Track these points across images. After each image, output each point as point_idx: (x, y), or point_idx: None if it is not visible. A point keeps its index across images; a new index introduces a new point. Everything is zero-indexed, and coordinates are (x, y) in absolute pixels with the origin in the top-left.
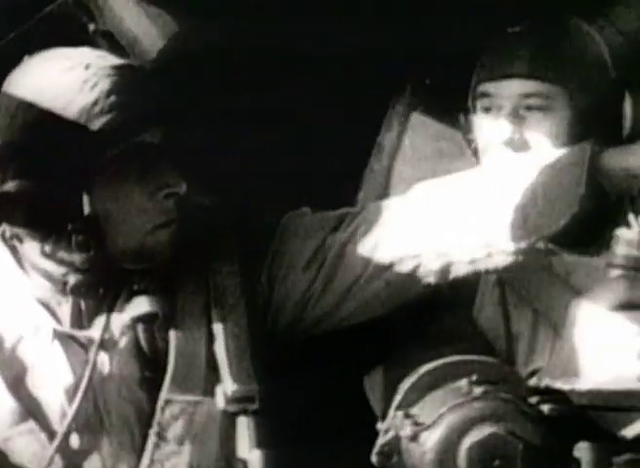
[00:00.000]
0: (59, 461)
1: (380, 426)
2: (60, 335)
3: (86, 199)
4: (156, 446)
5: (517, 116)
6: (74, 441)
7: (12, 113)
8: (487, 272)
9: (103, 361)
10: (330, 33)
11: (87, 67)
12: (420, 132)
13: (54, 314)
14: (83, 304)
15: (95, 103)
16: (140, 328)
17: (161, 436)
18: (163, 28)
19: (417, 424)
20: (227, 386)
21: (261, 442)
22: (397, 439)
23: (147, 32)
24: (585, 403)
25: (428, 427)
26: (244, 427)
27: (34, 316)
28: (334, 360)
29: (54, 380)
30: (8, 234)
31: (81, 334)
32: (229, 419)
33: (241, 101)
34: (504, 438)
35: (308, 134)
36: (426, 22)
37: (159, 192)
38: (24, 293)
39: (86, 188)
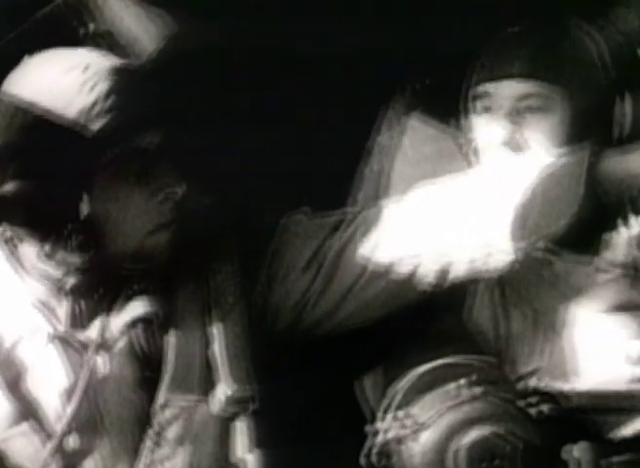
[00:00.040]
0: (56, 462)
1: (369, 429)
2: (57, 337)
3: (85, 200)
4: (154, 446)
5: (516, 116)
6: (72, 441)
7: (11, 114)
8: (486, 272)
9: (102, 362)
10: (329, 33)
11: (86, 68)
12: (419, 132)
13: (52, 315)
14: (82, 305)
15: (94, 105)
16: (138, 329)
17: (159, 437)
18: (162, 28)
19: (415, 424)
20: (225, 387)
21: (260, 442)
22: (393, 440)
23: (147, 32)
24: (582, 403)
25: (426, 428)
26: (241, 428)
27: (33, 317)
28: (332, 361)
29: (52, 381)
30: (7, 235)
31: (79, 336)
32: (226, 422)
33: (240, 101)
34: (502, 438)
35: (308, 134)
36: (425, 23)
37: (158, 193)
38: (23, 294)
39: (85, 189)
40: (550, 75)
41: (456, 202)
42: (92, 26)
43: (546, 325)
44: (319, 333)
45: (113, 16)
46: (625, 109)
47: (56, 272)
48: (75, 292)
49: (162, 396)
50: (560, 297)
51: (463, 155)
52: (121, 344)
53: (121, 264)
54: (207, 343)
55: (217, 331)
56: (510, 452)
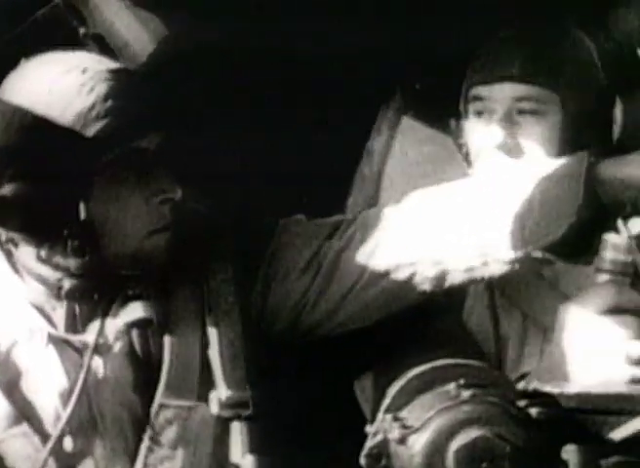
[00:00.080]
0: (52, 464)
1: (369, 429)
2: (54, 340)
3: (82, 204)
4: (150, 450)
5: (510, 120)
6: (68, 444)
7: (9, 116)
8: (482, 279)
9: (98, 365)
10: (329, 33)
11: (84, 71)
12: (409, 136)
13: (48, 318)
14: (77, 309)
15: (91, 108)
16: (134, 333)
17: (155, 440)
18: (153, 32)
19: (405, 427)
20: (221, 391)
21: (255, 447)
22: (386, 442)
23: (138, 36)
24: (574, 406)
25: (417, 430)
26: (237, 432)
27: (29, 320)
28: (327, 365)
29: (48, 384)
30: (3, 238)
31: (75, 339)
32: (223, 425)
33: (240, 102)
34: (492, 441)
35: (308, 134)
36: (425, 23)
37: (155, 197)
38: (19, 298)
39: (82, 193)
40: (543, 79)
41: (452, 210)
42: (82, 30)
43: (536, 329)
44: (318, 334)
45: (104, 19)
46: (616, 114)
47: (51, 276)
48: (71, 297)
49: (160, 398)
50: (550, 302)
51: (454, 160)
52: (118, 347)
53: (118, 268)
54: (205, 345)
55: (214, 334)
56: (499, 455)
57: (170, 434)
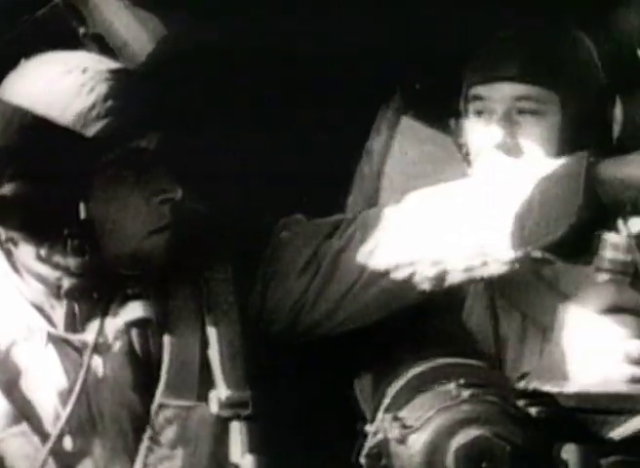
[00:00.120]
0: (51, 464)
1: (369, 429)
2: (54, 339)
3: (82, 203)
4: (149, 449)
5: (509, 119)
6: (67, 443)
7: (8, 117)
8: (481, 279)
9: (97, 365)
10: (329, 33)
11: (84, 71)
12: (409, 136)
13: (48, 317)
14: (77, 308)
15: (92, 108)
16: (133, 332)
17: (154, 440)
18: (152, 32)
19: (405, 427)
20: (221, 391)
21: (254, 447)
22: (385, 441)
23: (137, 36)
24: (573, 405)
25: (416, 430)
26: (237, 432)
27: (28, 319)
28: (326, 365)
29: (47, 383)
30: (3, 237)
31: (75, 338)
32: (222, 424)
33: (240, 102)
34: (492, 440)
35: (308, 134)
36: (418, 26)
37: (155, 197)
38: (19, 297)
39: (82, 193)
40: (543, 78)
41: (452, 209)
42: (82, 30)
43: (535, 328)
44: (318, 334)
45: (104, 19)
46: (616, 114)
47: (51, 275)
48: (71, 295)
49: (159, 398)
50: (549, 301)
51: (454, 159)
52: (118, 346)
53: (118, 267)
54: (205, 345)
55: (213, 334)
56: (498, 455)
57: (169, 434)
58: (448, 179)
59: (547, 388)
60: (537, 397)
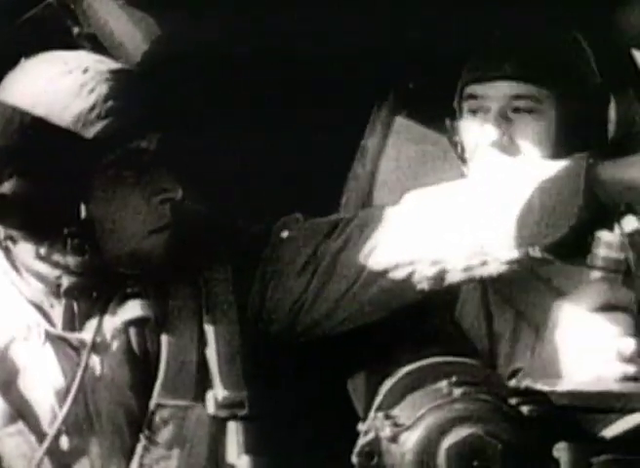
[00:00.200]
0: (48, 463)
1: (361, 427)
2: (52, 337)
3: (82, 203)
4: (146, 449)
5: (504, 118)
6: (64, 443)
7: (8, 116)
8: (480, 278)
9: (95, 364)
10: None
11: (85, 71)
12: (403, 136)
13: (46, 316)
14: (76, 307)
15: (92, 108)
16: (131, 331)
17: (151, 440)
18: (147, 31)
19: (396, 425)
20: (218, 391)
21: (250, 448)
22: (377, 440)
23: (131, 35)
24: (565, 403)
25: (408, 428)
26: (233, 433)
27: (27, 317)
28: (323, 365)
29: (45, 382)
30: (2, 235)
31: (73, 337)
32: (219, 425)
33: (237, 103)
34: (484, 438)
35: (308, 134)
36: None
37: (155, 197)
38: (17, 295)
39: (82, 192)
40: (538, 77)
41: (451, 209)
42: (76, 30)
43: (528, 326)
44: (316, 334)
45: (98, 19)
46: (610, 114)
47: (50, 274)
48: (70, 294)
49: (156, 397)
50: (542, 299)
51: (448, 158)
52: (115, 346)
53: (117, 267)
54: (202, 345)
55: (211, 334)
56: (490, 453)
57: (166, 434)
58: (443, 179)
59: (540, 386)
60: (529, 395)
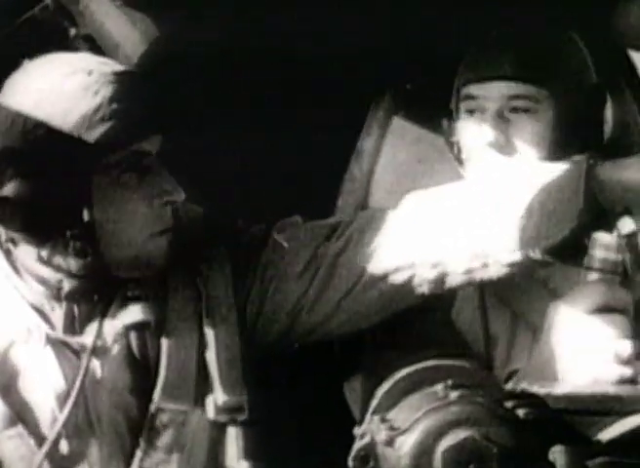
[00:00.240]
0: (47, 466)
1: (357, 431)
2: (52, 341)
3: (85, 206)
4: (145, 453)
5: (502, 118)
6: (64, 447)
7: (11, 118)
8: (480, 281)
9: (95, 367)
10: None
11: (89, 73)
12: (400, 136)
13: (47, 319)
14: (76, 310)
15: (96, 110)
16: (132, 335)
17: (151, 444)
18: (144, 33)
19: (392, 429)
20: (218, 396)
21: (250, 452)
22: (373, 444)
23: (128, 37)
24: (562, 406)
25: (404, 432)
26: (233, 437)
27: (27, 320)
28: (320, 370)
29: (45, 385)
30: (3, 237)
31: (74, 340)
32: (219, 429)
33: (237, 103)
34: (480, 442)
35: (308, 134)
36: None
37: (158, 199)
38: (18, 297)
39: (85, 195)
40: (536, 77)
41: (451, 212)
42: (73, 31)
43: (525, 328)
44: (315, 338)
45: (94, 20)
46: (606, 114)
47: (52, 277)
48: (71, 298)
49: (156, 401)
50: (539, 300)
51: (445, 159)
52: (116, 350)
53: (119, 271)
54: (199, 352)
55: (211, 338)
56: (486, 457)
57: (166, 438)
58: (440, 180)
59: (536, 389)
60: (525, 398)
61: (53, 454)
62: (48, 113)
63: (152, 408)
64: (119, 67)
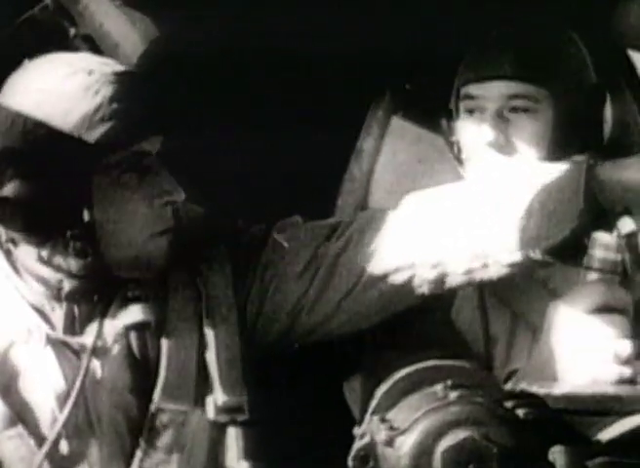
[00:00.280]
0: (47, 467)
1: (356, 431)
2: (52, 341)
3: (85, 206)
4: (145, 453)
5: (501, 118)
6: (64, 447)
7: (12, 118)
8: (480, 281)
9: (95, 367)
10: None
11: (90, 73)
12: (399, 136)
13: (47, 319)
14: (76, 310)
15: (97, 110)
16: (132, 335)
17: (151, 444)
18: (144, 33)
19: (392, 429)
20: (218, 396)
21: (250, 453)
22: (373, 444)
23: (128, 37)
24: (561, 406)
25: (403, 432)
26: (233, 438)
27: (27, 321)
28: (322, 371)
29: (45, 386)
30: (3, 238)
31: (74, 341)
32: (219, 430)
33: (237, 103)
34: (480, 442)
35: (307, 134)
36: (418, 25)
37: (158, 200)
38: (18, 298)
39: (86, 195)
40: (536, 76)
41: (452, 212)
42: (72, 31)
43: (525, 328)
44: (315, 338)
45: (94, 20)
46: (606, 114)
47: (52, 277)
48: (70, 298)
49: (156, 402)
50: (539, 300)
51: (445, 159)
52: (114, 351)
53: (119, 271)
54: (199, 352)
55: (211, 338)
56: (486, 457)
57: (166, 438)
58: (439, 179)
59: (535, 389)
60: (525, 398)
61: (53, 455)
62: (48, 113)
63: (152, 408)
64: (119, 67)
